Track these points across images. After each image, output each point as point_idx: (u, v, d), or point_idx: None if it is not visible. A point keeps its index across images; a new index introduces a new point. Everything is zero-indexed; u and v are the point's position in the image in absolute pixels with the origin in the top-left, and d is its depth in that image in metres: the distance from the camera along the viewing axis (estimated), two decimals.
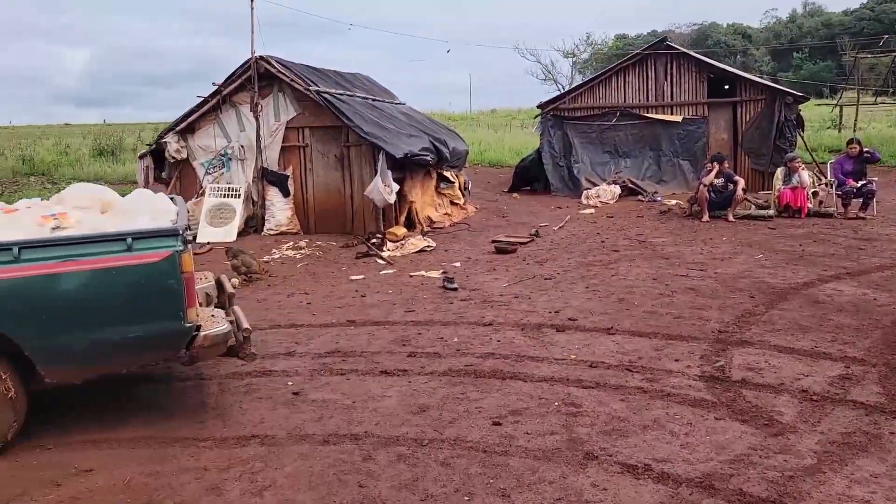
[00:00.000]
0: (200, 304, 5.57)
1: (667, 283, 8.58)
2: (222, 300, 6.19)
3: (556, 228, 13.01)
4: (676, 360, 5.93)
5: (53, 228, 4.72)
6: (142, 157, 13.24)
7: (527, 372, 5.79)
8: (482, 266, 10.01)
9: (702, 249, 10.60)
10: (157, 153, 13.13)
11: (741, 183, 13.16)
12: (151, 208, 5.08)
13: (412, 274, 9.62)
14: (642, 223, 13.37)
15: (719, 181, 13.21)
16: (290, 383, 5.73)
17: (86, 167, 25.82)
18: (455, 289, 8.67)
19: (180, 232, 4.59)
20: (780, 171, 13.60)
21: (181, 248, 4.59)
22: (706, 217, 13.07)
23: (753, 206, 13.61)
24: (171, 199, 5.85)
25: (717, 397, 5.17)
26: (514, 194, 18.31)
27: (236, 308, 5.59)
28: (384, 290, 8.84)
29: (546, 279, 9.09)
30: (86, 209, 5.21)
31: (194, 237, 11.65)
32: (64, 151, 30.34)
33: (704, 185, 13.13)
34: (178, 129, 12.87)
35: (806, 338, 6.37)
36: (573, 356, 6.13)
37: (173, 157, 12.88)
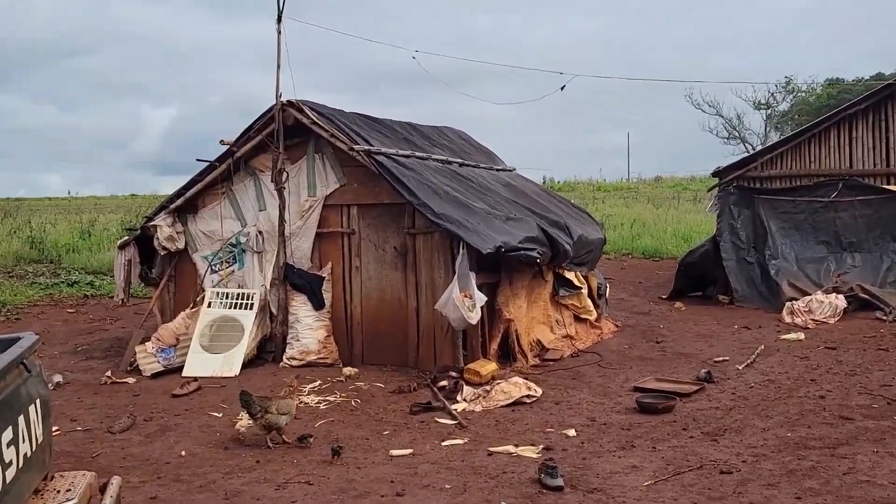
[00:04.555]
0: None
1: None
2: None
3: (740, 367, 10.87)
4: None
5: None
6: (122, 246, 12.44)
7: None
8: (612, 437, 7.98)
9: None
10: (144, 241, 12.27)
11: None
12: None
13: (492, 449, 7.68)
14: (889, 361, 10.99)
15: None
16: None
17: (105, 253, 25.53)
18: (559, 488, 6.62)
19: None
20: None
21: None
22: None
23: None
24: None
25: None
26: (678, 303, 16.45)
27: None
28: (438, 482, 6.90)
29: (723, 473, 6.88)
30: None
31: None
32: (86, 232, 30.46)
33: None
34: (173, 206, 11.93)
35: None
36: None
37: (165, 248, 11.93)
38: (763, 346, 12.00)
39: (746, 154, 16.62)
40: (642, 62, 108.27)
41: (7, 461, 3.68)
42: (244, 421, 8.29)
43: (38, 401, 4.27)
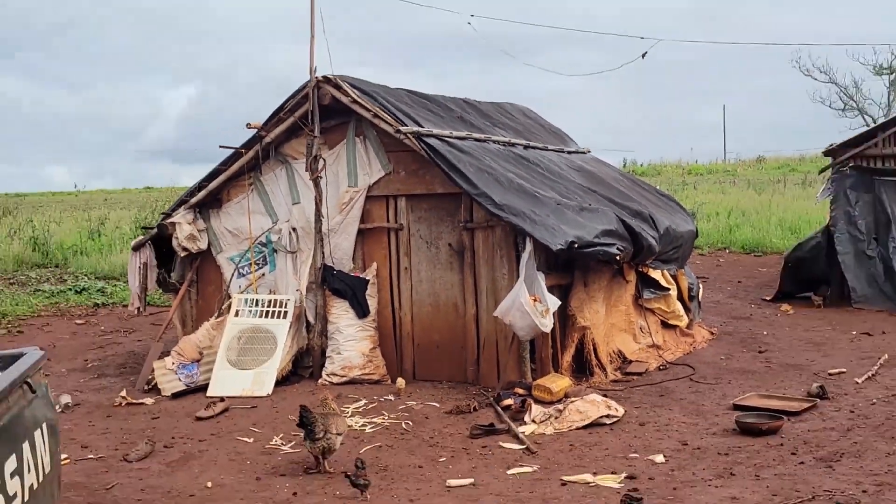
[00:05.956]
0: None
1: None
2: None
3: (860, 380, 10.62)
4: None
5: None
6: (136, 248, 12.51)
7: None
8: (707, 464, 7.84)
9: None
10: (161, 241, 12.33)
11: None
12: None
13: (567, 479, 7.58)
14: None
15: None
16: None
17: (117, 255, 25.75)
18: None
19: None
20: None
21: None
22: None
23: None
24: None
25: None
26: (784, 305, 16.22)
27: None
28: None
29: None
30: None
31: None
32: (96, 231, 30.78)
33: None
34: (193, 201, 12.01)
35: None
36: None
37: (185, 249, 11.99)
38: (887, 356, 11.66)
39: (866, 128, 16.12)
40: (738, 25, 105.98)
41: (11, 494, 3.73)
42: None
43: (44, 425, 4.32)
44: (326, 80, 11.19)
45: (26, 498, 3.89)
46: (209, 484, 7.77)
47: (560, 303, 10.36)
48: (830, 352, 12.31)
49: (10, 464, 3.75)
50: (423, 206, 11.33)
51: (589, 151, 15.56)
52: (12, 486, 3.74)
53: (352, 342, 11.25)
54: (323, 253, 11.49)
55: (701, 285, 14.22)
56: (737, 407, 9.51)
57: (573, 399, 9.60)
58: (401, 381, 10.81)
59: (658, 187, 15.48)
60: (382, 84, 11.95)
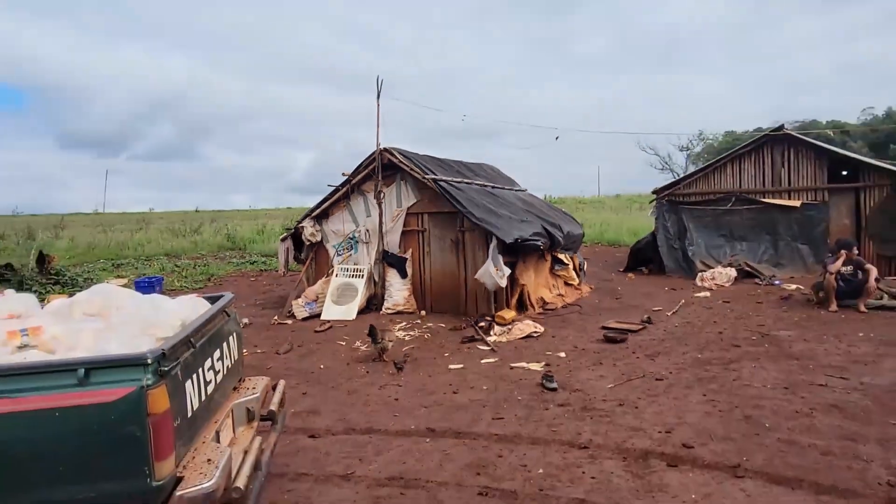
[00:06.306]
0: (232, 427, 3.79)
1: (802, 396, 5.97)
2: (272, 414, 4.41)
3: (669, 314, 10.48)
4: None
5: (19, 347, 3.11)
6: (283, 239, 12.28)
7: None
8: (588, 358, 7.74)
9: (837, 347, 7.77)
10: (296, 236, 12.12)
11: (873, 272, 10.04)
12: (141, 321, 3.38)
13: (513, 365, 7.50)
14: (762, 310, 10.53)
15: (847, 269, 10.21)
16: None
17: (273, 243, 25.73)
18: (554, 388, 6.50)
19: (149, 360, 2.81)
20: None
21: (151, 382, 2.82)
22: (834, 306, 10.07)
23: (886, 296, 10.31)
24: (211, 299, 4.22)
25: None
26: (629, 274, 15.89)
27: (258, 445, 3.74)
28: (479, 384, 6.79)
29: (657, 380, 6.70)
30: (92, 316, 3.63)
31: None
32: (261, 231, 30.77)
33: (831, 273, 10.14)
34: (313, 214, 11.81)
35: None
36: None
37: (308, 240, 11.82)
38: (683, 301, 11.60)
39: (674, 179, 16.01)
40: (612, 116, 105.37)
41: (217, 370, 3.73)
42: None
43: (234, 334, 4.26)
44: (385, 149, 11.00)
45: (224, 372, 3.87)
46: (321, 366, 7.75)
47: (510, 271, 10.10)
48: (654, 298, 12.13)
49: (216, 354, 3.74)
50: (437, 218, 11.02)
51: (526, 189, 15.32)
52: (218, 366, 3.74)
53: (398, 291, 11.08)
54: (382, 243, 11.32)
55: (585, 262, 13.99)
56: (604, 327, 9.34)
57: (516, 323, 9.45)
58: (423, 313, 10.75)
59: (563, 209, 15.29)
60: (415, 152, 11.71)
